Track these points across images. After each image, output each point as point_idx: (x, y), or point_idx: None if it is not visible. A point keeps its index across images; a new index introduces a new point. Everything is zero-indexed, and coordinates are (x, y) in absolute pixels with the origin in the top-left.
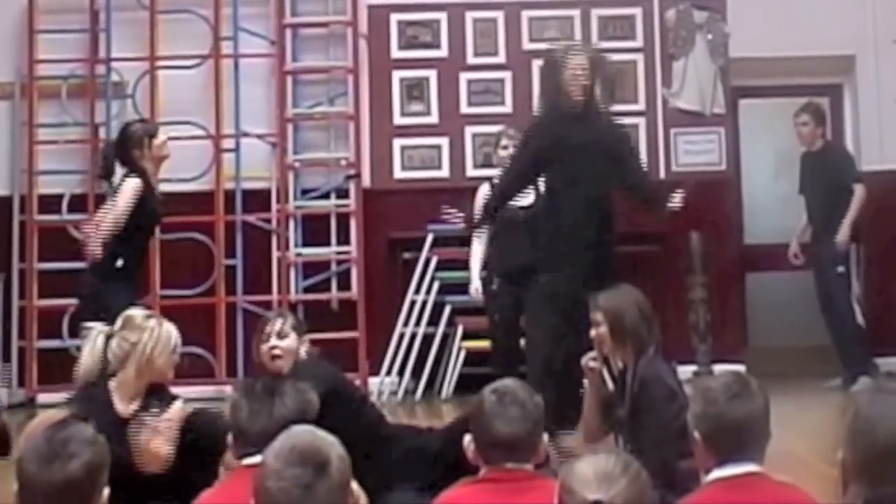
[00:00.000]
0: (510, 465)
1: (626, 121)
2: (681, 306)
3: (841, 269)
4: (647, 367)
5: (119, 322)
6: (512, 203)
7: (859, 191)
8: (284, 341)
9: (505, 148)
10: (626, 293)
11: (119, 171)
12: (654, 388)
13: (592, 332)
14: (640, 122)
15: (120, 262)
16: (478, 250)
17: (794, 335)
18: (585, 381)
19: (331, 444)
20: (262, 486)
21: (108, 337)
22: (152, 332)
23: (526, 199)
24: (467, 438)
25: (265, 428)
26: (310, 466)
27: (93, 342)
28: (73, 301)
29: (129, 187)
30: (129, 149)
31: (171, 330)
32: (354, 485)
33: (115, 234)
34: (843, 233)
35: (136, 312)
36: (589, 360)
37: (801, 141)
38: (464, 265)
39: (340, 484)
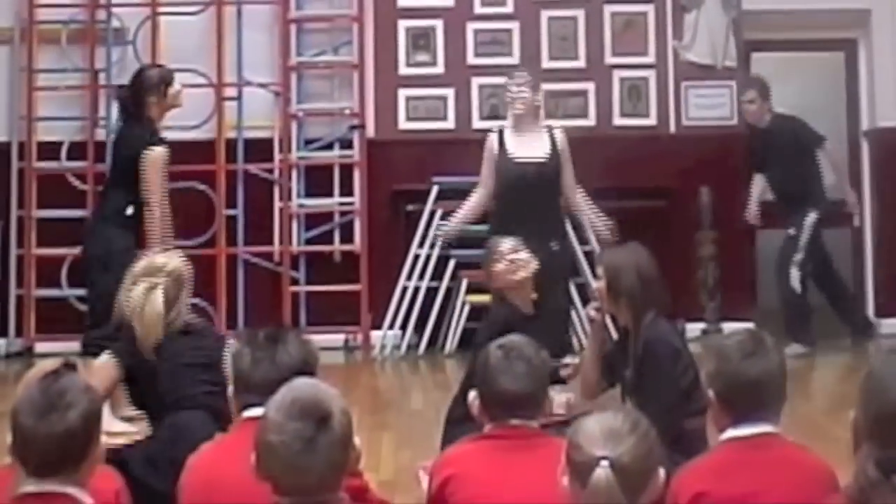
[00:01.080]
0: (515, 422)
1: (637, 73)
2: (689, 263)
3: (791, 231)
4: (649, 328)
5: (156, 271)
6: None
7: (824, 154)
8: (520, 253)
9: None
10: (629, 253)
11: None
12: (657, 349)
13: (595, 284)
14: (651, 74)
15: (130, 210)
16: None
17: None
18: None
19: (333, 397)
20: (262, 440)
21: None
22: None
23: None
24: (472, 394)
25: (268, 376)
26: (311, 420)
27: (155, 300)
28: (71, 250)
29: (154, 160)
30: (142, 93)
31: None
32: (356, 439)
33: (158, 204)
34: (850, 195)
35: (158, 258)
36: (591, 310)
37: (749, 119)
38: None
39: (342, 438)
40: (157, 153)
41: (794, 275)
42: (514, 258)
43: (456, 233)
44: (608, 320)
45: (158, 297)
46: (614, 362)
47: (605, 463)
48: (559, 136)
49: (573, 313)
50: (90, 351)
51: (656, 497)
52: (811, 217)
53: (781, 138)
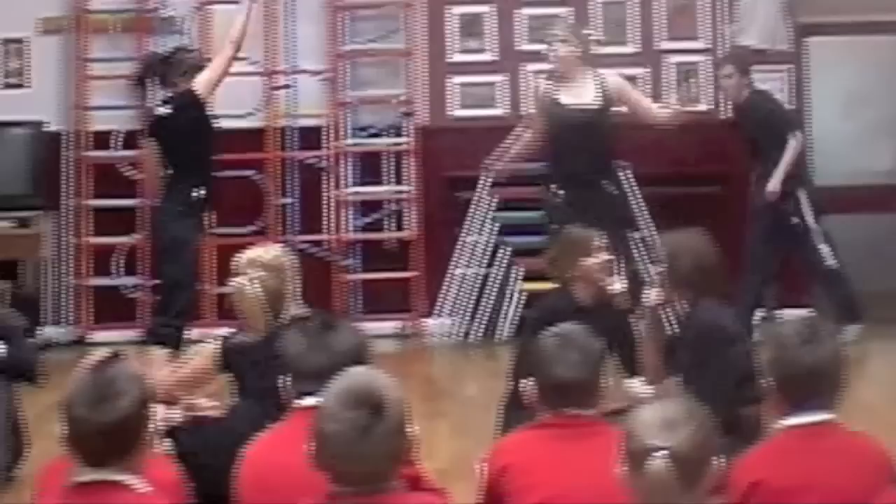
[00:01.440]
0: (571, 411)
1: (690, 58)
2: (746, 249)
3: (794, 220)
4: (706, 314)
5: (255, 267)
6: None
7: (792, 142)
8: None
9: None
10: (688, 239)
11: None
12: (713, 335)
13: (655, 270)
14: (704, 59)
15: (195, 194)
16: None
17: (862, 279)
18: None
19: (387, 385)
20: (318, 429)
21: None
22: (290, 264)
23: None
24: (527, 382)
25: (321, 364)
26: (366, 409)
27: (252, 295)
28: (125, 238)
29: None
30: (171, 73)
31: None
32: (411, 427)
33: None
34: (773, 183)
35: (262, 254)
36: (651, 296)
37: (726, 94)
38: (523, 205)
39: (398, 427)
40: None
41: (825, 251)
42: (607, 261)
43: (508, 170)
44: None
45: (254, 290)
46: (675, 348)
47: (661, 453)
48: (610, 80)
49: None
50: (154, 340)
51: (713, 485)
52: (804, 197)
53: (753, 116)
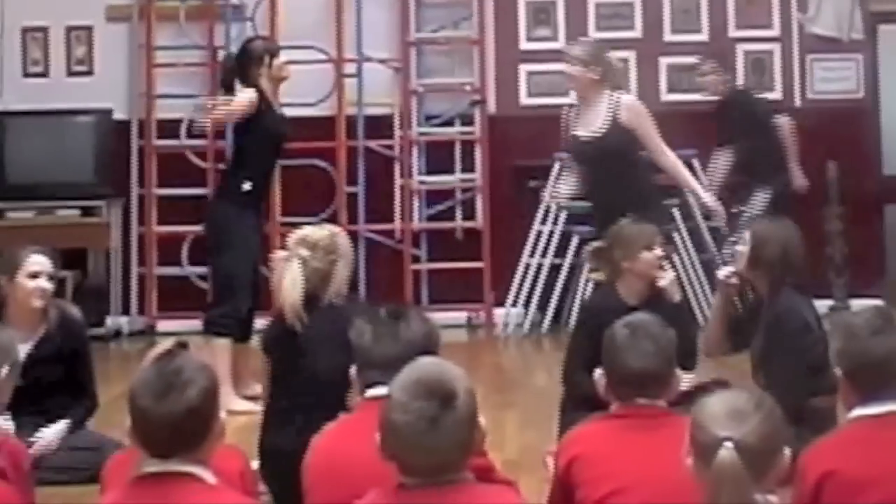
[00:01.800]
0: (642, 401)
1: (761, 47)
2: (816, 239)
3: (739, 208)
4: (783, 301)
5: (302, 247)
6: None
7: (784, 127)
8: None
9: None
10: (781, 227)
11: (238, 88)
12: (788, 321)
13: (738, 247)
14: (775, 48)
15: (247, 186)
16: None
17: None
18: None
19: (457, 376)
20: (387, 419)
21: (305, 262)
22: (342, 254)
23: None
24: (598, 373)
25: (390, 353)
26: (436, 399)
27: (290, 272)
28: (192, 227)
29: (245, 95)
30: (248, 65)
31: (347, 240)
32: (481, 418)
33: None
34: (798, 177)
35: (314, 232)
36: (726, 273)
37: (706, 90)
38: None
39: (467, 417)
40: (249, 92)
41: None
42: (663, 256)
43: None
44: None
45: (292, 269)
46: (742, 329)
47: (729, 444)
48: (623, 104)
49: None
50: (211, 330)
51: (782, 476)
52: (760, 196)
53: (735, 111)
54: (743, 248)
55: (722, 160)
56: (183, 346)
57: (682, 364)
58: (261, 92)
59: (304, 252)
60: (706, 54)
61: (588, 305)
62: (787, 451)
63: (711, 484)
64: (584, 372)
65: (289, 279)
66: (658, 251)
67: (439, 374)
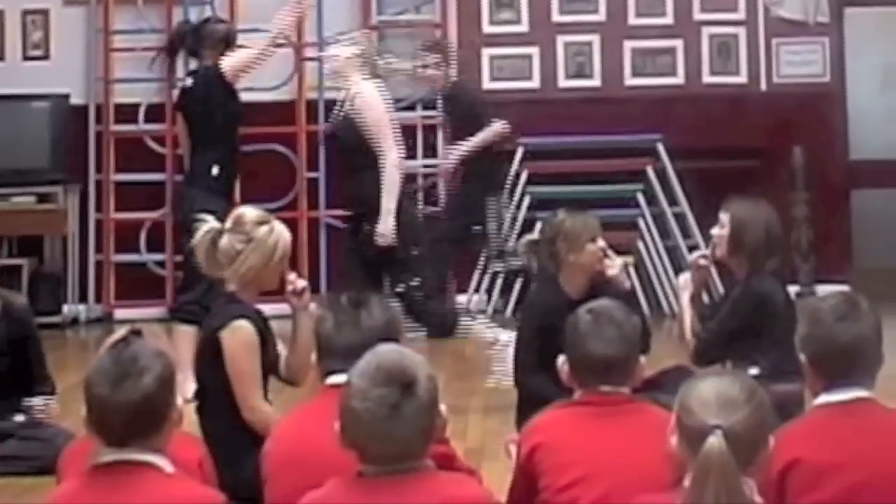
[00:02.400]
0: (605, 389)
1: (726, 30)
2: (783, 224)
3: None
4: (758, 283)
5: (230, 220)
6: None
7: (496, 127)
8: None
9: None
10: (760, 208)
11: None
12: (766, 306)
13: (714, 231)
14: (741, 31)
15: (216, 171)
16: None
17: None
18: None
19: (418, 362)
20: (346, 407)
21: (218, 233)
22: (258, 241)
23: None
24: (561, 359)
25: (352, 341)
26: (396, 386)
27: (201, 237)
28: (150, 214)
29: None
30: (202, 45)
31: (279, 238)
32: (442, 406)
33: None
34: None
35: (249, 213)
36: (699, 258)
37: (424, 84)
38: (556, 179)
39: (428, 404)
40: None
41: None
42: (606, 246)
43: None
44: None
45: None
46: (714, 311)
47: (718, 432)
48: (366, 92)
49: None
50: (178, 316)
51: (765, 465)
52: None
53: (455, 108)
54: (721, 232)
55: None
56: (137, 333)
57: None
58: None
59: (224, 225)
60: (429, 47)
61: (531, 303)
62: (772, 442)
63: (698, 471)
64: (534, 371)
65: (197, 245)
66: (601, 242)
67: (399, 360)
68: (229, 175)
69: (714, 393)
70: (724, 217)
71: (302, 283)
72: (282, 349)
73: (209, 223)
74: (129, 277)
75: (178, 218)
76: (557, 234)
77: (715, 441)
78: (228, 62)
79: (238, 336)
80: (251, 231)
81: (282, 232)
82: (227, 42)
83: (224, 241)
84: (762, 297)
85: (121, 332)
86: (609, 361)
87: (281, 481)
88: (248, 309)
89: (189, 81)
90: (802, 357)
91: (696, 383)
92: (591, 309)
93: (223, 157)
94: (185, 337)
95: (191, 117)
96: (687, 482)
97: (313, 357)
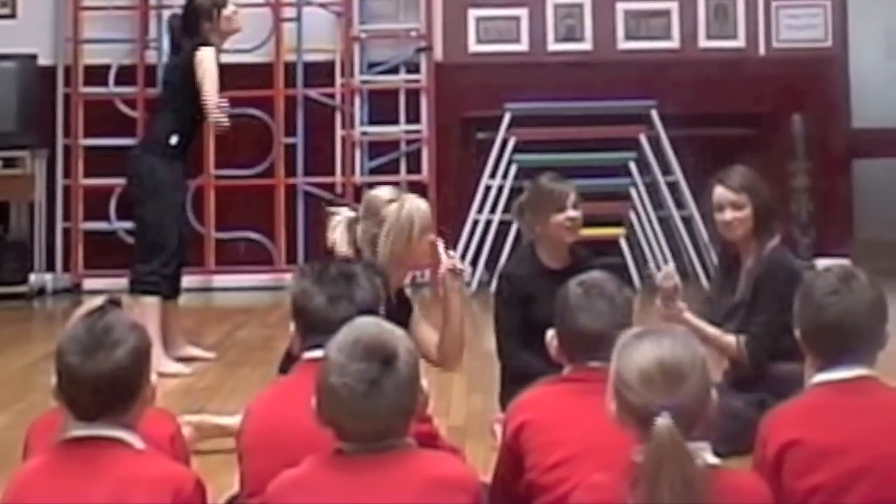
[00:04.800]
0: (595, 364)
1: None
2: (781, 195)
3: None
4: (776, 251)
5: (361, 206)
6: None
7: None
8: (579, 211)
9: None
10: (754, 172)
11: (187, 44)
12: (780, 269)
13: (728, 216)
14: None
15: (175, 140)
16: None
17: None
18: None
19: (399, 337)
20: (324, 382)
21: (353, 222)
22: (391, 222)
23: None
24: (550, 334)
25: (349, 315)
26: (376, 361)
27: (336, 230)
28: (121, 180)
29: (208, 56)
30: (196, 22)
31: (412, 213)
32: (424, 382)
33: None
34: None
35: (378, 194)
36: (666, 275)
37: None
38: (544, 147)
39: (408, 380)
40: (207, 50)
41: None
42: (575, 216)
43: None
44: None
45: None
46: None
47: (665, 415)
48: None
49: None
50: (138, 288)
51: (709, 417)
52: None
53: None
54: (741, 214)
55: None
56: (116, 303)
57: None
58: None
59: (352, 213)
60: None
61: (505, 273)
62: (714, 395)
63: (650, 462)
64: (516, 346)
65: (338, 238)
66: (570, 212)
67: (379, 334)
68: (186, 145)
69: (656, 363)
70: (738, 197)
71: (462, 266)
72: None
73: (341, 214)
74: (99, 246)
75: (138, 185)
76: (526, 203)
77: (664, 428)
78: (206, 59)
79: None
80: (382, 212)
81: (415, 206)
82: (217, 8)
83: (359, 229)
84: (793, 271)
85: (98, 300)
86: (599, 335)
87: (257, 460)
88: None
89: (172, 59)
90: (797, 333)
91: (632, 349)
92: (583, 281)
93: (185, 126)
94: (150, 309)
95: (166, 84)
96: (637, 458)
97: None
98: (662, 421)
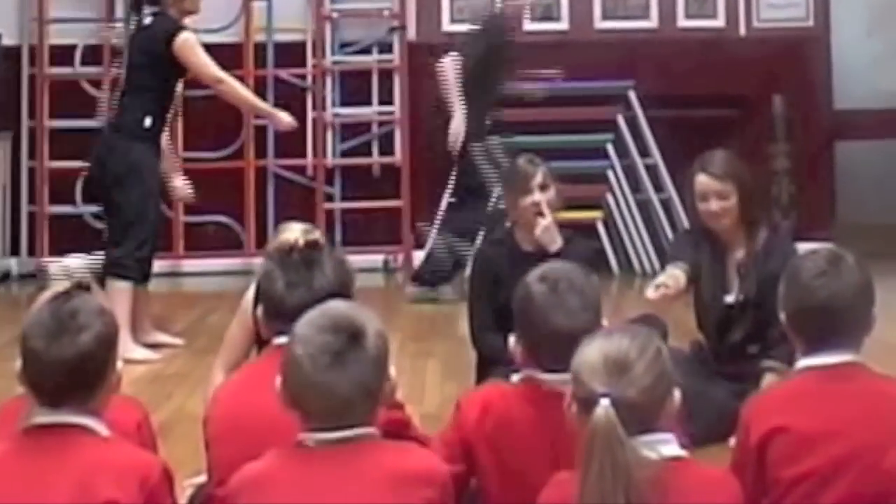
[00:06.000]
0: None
1: None
2: (762, 178)
3: None
4: (776, 238)
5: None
6: None
7: None
8: (547, 194)
9: None
10: (735, 156)
11: (148, 11)
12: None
13: (714, 206)
14: None
15: (148, 122)
16: None
17: (888, 210)
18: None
19: (369, 318)
20: (288, 355)
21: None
22: None
23: None
24: (512, 340)
25: (304, 301)
26: (342, 334)
27: None
28: (87, 163)
29: (189, 40)
30: None
31: None
32: (392, 369)
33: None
34: None
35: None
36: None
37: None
38: (520, 129)
39: (375, 359)
40: (189, 35)
41: None
42: (542, 201)
43: None
44: None
45: None
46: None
47: (605, 401)
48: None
49: None
50: (114, 272)
51: (672, 420)
52: None
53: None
54: (726, 204)
55: None
56: (85, 287)
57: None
58: (173, 19)
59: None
60: None
61: (479, 255)
62: (677, 394)
63: (586, 442)
64: (488, 329)
65: None
66: (536, 196)
67: (348, 311)
68: (159, 127)
69: (601, 356)
70: (723, 186)
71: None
72: None
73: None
74: (64, 230)
75: (111, 167)
76: (502, 184)
77: (601, 412)
78: (190, 46)
79: None
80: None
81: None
82: None
83: None
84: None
85: (66, 284)
86: (575, 336)
87: (224, 447)
88: None
89: (147, 20)
90: (782, 317)
91: (584, 347)
92: (545, 276)
93: (156, 108)
94: (122, 294)
95: (131, 61)
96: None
97: (259, 313)
98: (601, 407)
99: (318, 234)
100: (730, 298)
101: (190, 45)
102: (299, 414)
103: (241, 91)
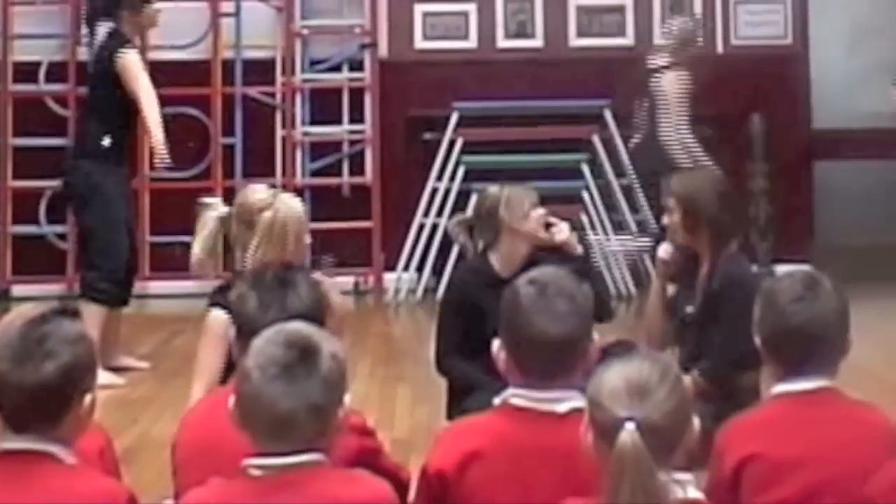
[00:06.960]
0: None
1: None
2: (735, 198)
3: None
4: (731, 262)
5: (235, 205)
6: None
7: None
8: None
9: None
10: (705, 175)
11: (102, 26)
12: (738, 287)
13: (665, 220)
14: None
15: (107, 141)
16: None
17: (867, 232)
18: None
19: (327, 339)
20: (240, 368)
21: (226, 219)
22: (266, 229)
23: None
24: (496, 345)
25: (277, 321)
26: (295, 350)
27: (207, 225)
28: (51, 182)
29: (132, 63)
30: (116, 5)
31: (287, 222)
32: (347, 397)
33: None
34: None
35: (253, 198)
36: (663, 251)
37: None
38: (493, 148)
39: (326, 379)
40: (130, 55)
41: None
42: (547, 216)
43: None
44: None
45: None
46: (676, 306)
47: (630, 425)
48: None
49: None
50: (89, 295)
51: (692, 449)
52: None
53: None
54: (672, 218)
55: None
56: (66, 312)
57: (599, 317)
58: (123, 36)
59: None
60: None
61: (452, 281)
62: (697, 422)
63: (613, 468)
64: (455, 357)
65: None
66: (540, 210)
67: (307, 330)
68: (122, 146)
69: (623, 380)
70: (669, 201)
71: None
72: None
73: (214, 208)
74: (28, 250)
75: (76, 191)
76: (498, 202)
77: (627, 436)
78: (131, 66)
79: None
80: (255, 220)
81: (289, 215)
82: (143, 1)
83: (233, 227)
84: (749, 292)
85: (49, 305)
86: (562, 342)
87: (191, 472)
88: None
89: (101, 38)
90: (757, 341)
91: (602, 373)
92: (534, 279)
93: (114, 127)
94: (93, 317)
95: (90, 80)
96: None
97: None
98: (626, 432)
99: (283, 196)
100: (689, 310)
101: (127, 63)
102: (248, 433)
103: (151, 117)
